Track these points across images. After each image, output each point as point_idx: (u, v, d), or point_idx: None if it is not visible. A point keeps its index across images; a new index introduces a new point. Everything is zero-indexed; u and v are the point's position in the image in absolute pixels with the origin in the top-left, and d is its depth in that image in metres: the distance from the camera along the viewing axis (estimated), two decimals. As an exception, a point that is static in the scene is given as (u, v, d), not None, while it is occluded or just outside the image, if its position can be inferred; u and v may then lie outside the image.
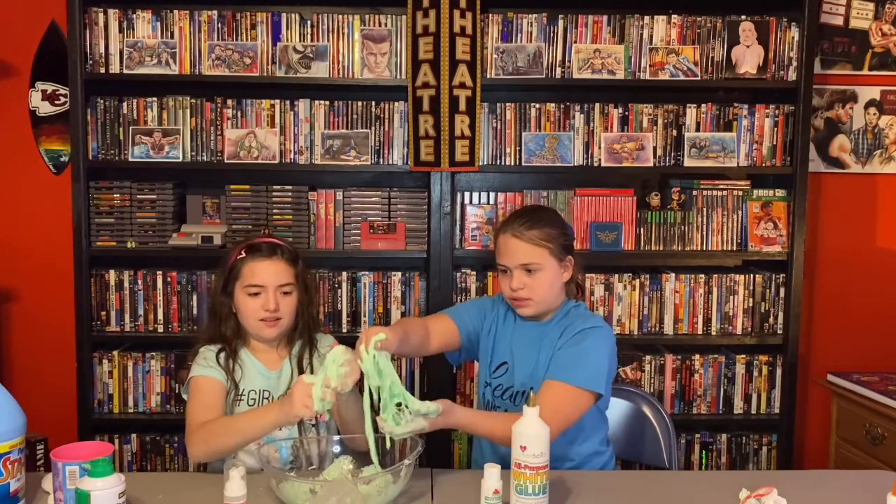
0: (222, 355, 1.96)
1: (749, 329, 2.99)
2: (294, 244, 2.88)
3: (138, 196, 2.91)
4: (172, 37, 2.87)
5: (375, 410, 1.65)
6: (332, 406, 1.67)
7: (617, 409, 2.23)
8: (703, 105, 2.96)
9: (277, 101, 2.92)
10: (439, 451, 2.90)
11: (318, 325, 2.10)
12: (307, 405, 1.65)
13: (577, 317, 1.96)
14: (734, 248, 2.99)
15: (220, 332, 1.99)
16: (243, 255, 1.98)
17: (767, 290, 2.99)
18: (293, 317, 2.00)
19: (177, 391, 2.93)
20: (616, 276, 2.97)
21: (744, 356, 2.99)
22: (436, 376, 2.90)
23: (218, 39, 2.87)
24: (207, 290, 2.89)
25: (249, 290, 1.95)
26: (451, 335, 2.04)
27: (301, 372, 1.99)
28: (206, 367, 1.93)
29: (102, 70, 2.85)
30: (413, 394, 2.95)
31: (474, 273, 2.96)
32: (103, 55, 2.85)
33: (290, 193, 2.93)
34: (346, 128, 2.93)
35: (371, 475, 1.61)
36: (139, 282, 2.92)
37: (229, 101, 2.92)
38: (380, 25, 2.90)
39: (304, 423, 1.93)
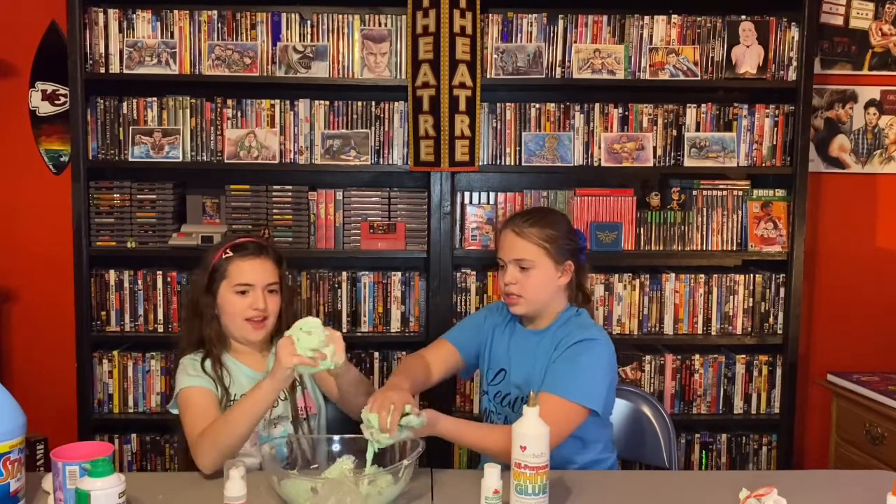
0: (207, 363, 1.94)
1: (749, 329, 2.99)
2: (294, 244, 2.92)
3: (138, 196, 2.91)
4: (172, 37, 2.87)
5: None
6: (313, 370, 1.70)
7: (617, 409, 2.22)
8: (703, 105, 2.96)
9: (277, 101, 2.92)
10: (439, 451, 2.89)
11: None
12: (292, 352, 1.65)
13: (575, 327, 1.93)
14: (734, 248, 2.99)
15: (203, 334, 1.97)
16: (229, 253, 1.97)
17: (767, 290, 2.99)
18: (277, 317, 2.00)
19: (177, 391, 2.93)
20: (616, 276, 2.97)
21: (744, 356, 2.99)
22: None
23: (218, 39, 2.87)
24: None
25: (237, 289, 1.94)
26: (452, 358, 2.06)
27: None
28: (193, 377, 1.90)
29: (102, 70, 2.85)
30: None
31: (474, 273, 2.96)
32: (103, 55, 2.85)
33: (290, 193, 2.93)
34: (346, 128, 2.93)
35: (371, 475, 1.61)
36: (139, 282, 2.92)
37: (229, 101, 2.92)
38: (380, 25, 2.90)
39: (298, 418, 1.93)
